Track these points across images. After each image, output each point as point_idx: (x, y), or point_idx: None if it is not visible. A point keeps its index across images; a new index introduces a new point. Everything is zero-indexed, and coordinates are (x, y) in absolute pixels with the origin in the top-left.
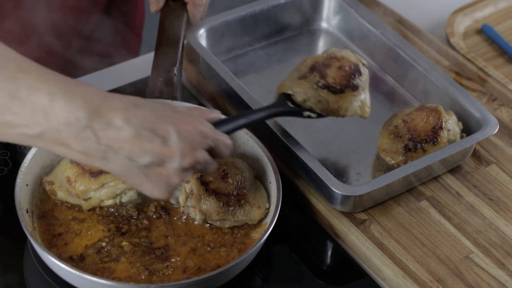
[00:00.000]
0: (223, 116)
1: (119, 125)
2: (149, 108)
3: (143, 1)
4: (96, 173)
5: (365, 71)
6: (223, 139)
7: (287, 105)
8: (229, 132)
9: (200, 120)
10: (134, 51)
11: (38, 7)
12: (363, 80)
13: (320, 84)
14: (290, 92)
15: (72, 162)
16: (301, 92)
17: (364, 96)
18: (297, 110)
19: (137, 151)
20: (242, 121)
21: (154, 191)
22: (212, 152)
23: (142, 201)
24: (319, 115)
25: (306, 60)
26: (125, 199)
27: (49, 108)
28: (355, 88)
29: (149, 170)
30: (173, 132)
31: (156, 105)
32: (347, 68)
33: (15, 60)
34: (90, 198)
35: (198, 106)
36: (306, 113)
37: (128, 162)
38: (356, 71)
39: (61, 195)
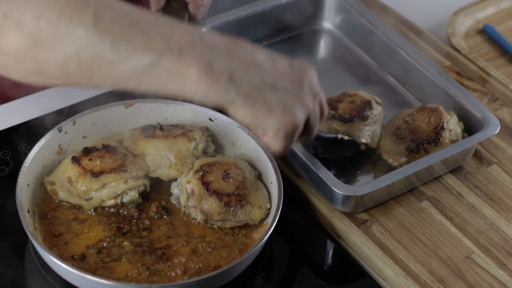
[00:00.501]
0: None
1: (246, 45)
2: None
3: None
4: (97, 173)
5: (377, 107)
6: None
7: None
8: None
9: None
10: None
11: None
12: (374, 114)
13: (329, 116)
14: None
15: (73, 162)
16: None
17: (375, 129)
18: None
19: (264, 73)
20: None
21: (285, 116)
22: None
23: (143, 202)
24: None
25: None
26: (126, 199)
27: (170, 34)
28: (364, 118)
29: (279, 92)
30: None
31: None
32: (358, 102)
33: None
34: (91, 198)
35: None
36: (339, 135)
37: (256, 83)
38: (367, 105)
39: (62, 195)
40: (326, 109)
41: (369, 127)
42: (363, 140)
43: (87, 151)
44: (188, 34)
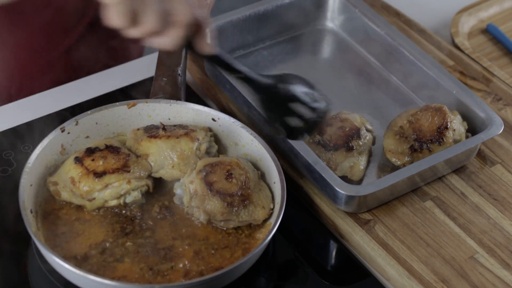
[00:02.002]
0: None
1: None
2: None
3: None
4: (100, 174)
5: (365, 136)
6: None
7: (266, 79)
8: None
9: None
10: (137, 52)
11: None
12: (361, 144)
13: (315, 140)
14: None
15: (76, 162)
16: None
17: (359, 159)
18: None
19: None
20: (231, 61)
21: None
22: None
23: (146, 202)
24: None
25: None
26: (129, 199)
27: None
28: (349, 149)
29: None
30: None
31: None
32: (347, 129)
33: None
34: (94, 198)
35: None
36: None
37: None
38: (355, 134)
39: (65, 195)
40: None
41: (352, 159)
42: (339, 174)
43: (90, 152)
44: None
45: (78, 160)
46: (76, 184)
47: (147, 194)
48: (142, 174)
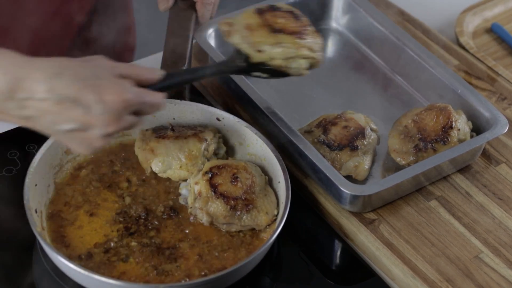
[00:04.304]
0: (161, 74)
1: (41, 96)
2: (73, 76)
3: (131, 9)
4: (277, 30)
5: (370, 136)
6: (150, 101)
7: (236, 63)
8: (165, 89)
9: (125, 87)
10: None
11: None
12: (366, 143)
13: (320, 139)
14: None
15: (258, 12)
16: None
17: (363, 159)
18: (245, 70)
19: (60, 119)
20: (185, 76)
21: (79, 149)
22: (138, 112)
23: (150, 202)
24: (270, 76)
25: (319, 117)
26: (294, 65)
27: None
28: (353, 148)
29: (73, 134)
30: (97, 102)
31: (81, 70)
32: (352, 129)
33: None
34: (262, 51)
35: (133, 64)
36: (256, 73)
37: (52, 127)
38: (360, 134)
39: (235, 39)
40: (151, 102)
41: (356, 158)
42: (343, 173)
43: (272, 8)
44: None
45: (260, 12)
46: (251, 31)
47: (152, 197)
48: (314, 47)
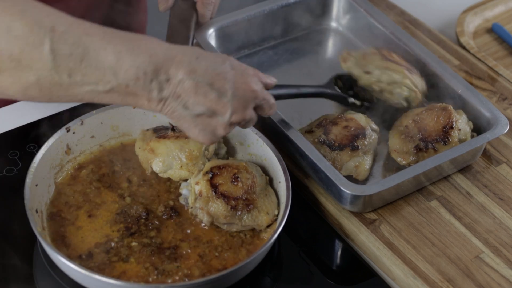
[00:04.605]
0: (275, 81)
1: (180, 78)
2: (210, 62)
3: (145, 3)
4: (389, 60)
5: (371, 136)
6: (269, 99)
7: (334, 89)
8: (276, 96)
9: (254, 80)
10: None
11: None
12: (366, 143)
13: (320, 139)
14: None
15: (375, 48)
16: None
17: (364, 159)
18: (342, 96)
19: (192, 102)
20: (291, 90)
21: (199, 137)
22: (257, 108)
23: (151, 202)
24: (363, 103)
25: (320, 117)
26: (396, 91)
27: (117, 67)
28: (354, 148)
29: (199, 119)
30: (229, 89)
31: (217, 58)
32: (352, 129)
33: (77, 23)
34: (370, 73)
35: (255, 69)
36: (351, 99)
37: (183, 110)
38: (360, 134)
39: (350, 63)
40: (269, 102)
41: (357, 158)
42: (344, 173)
43: (386, 50)
44: (133, 67)
45: (378, 48)
46: (365, 58)
47: (153, 197)
48: (418, 85)
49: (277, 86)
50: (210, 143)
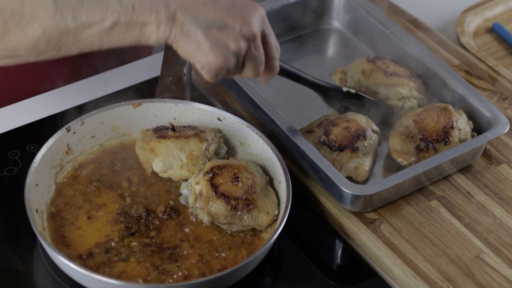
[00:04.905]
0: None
1: None
2: None
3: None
4: (391, 73)
5: (371, 137)
6: (275, 40)
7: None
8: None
9: (264, 13)
10: (147, 50)
11: None
12: (367, 144)
13: (321, 140)
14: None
15: (369, 61)
16: None
17: (364, 160)
18: (338, 88)
19: (202, 13)
20: (297, 72)
21: (210, 55)
22: (266, 45)
23: (151, 202)
24: (357, 92)
25: (320, 117)
26: (406, 105)
27: None
28: (354, 149)
29: (210, 32)
30: (238, 1)
31: None
32: (353, 130)
33: None
34: (378, 93)
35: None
36: (345, 88)
37: (192, 22)
38: (361, 135)
39: (350, 83)
40: (275, 48)
41: (357, 160)
42: (343, 174)
43: (379, 59)
44: None
45: (372, 60)
46: (365, 76)
47: (153, 196)
48: (419, 90)
49: (282, 62)
50: (221, 63)
